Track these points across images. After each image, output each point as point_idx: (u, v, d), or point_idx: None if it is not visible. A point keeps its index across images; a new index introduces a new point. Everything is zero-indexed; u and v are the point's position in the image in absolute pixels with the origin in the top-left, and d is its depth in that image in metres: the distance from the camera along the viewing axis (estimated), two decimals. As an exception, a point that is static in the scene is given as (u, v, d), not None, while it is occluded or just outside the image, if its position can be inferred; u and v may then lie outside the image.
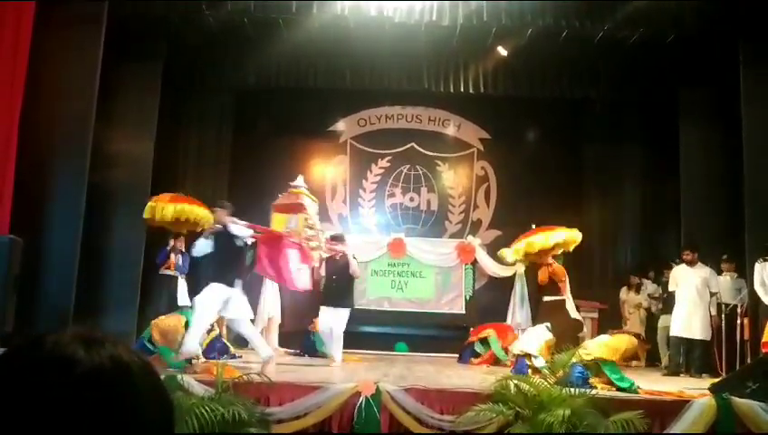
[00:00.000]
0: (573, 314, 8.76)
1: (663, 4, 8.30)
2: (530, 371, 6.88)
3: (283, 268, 7.23)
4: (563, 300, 8.63)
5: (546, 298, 8.58)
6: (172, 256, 9.33)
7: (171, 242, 9.38)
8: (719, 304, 8.56)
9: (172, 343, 6.74)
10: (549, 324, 7.95)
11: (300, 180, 8.53)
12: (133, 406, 0.73)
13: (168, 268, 9.27)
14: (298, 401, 5.36)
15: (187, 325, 7.07)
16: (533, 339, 7.71)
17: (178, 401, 4.86)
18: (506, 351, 9.14)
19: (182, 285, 9.42)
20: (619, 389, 5.98)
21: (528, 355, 7.35)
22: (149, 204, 8.67)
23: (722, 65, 8.73)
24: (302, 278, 7.42)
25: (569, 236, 8.78)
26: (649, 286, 10.19)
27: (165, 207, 8.65)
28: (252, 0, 8.31)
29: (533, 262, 9.17)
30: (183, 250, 9.42)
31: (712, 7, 8.25)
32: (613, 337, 6.82)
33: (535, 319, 9.21)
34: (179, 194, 9.15)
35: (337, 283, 8.14)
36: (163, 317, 7.35)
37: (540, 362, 7.04)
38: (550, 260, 8.65)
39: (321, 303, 8.29)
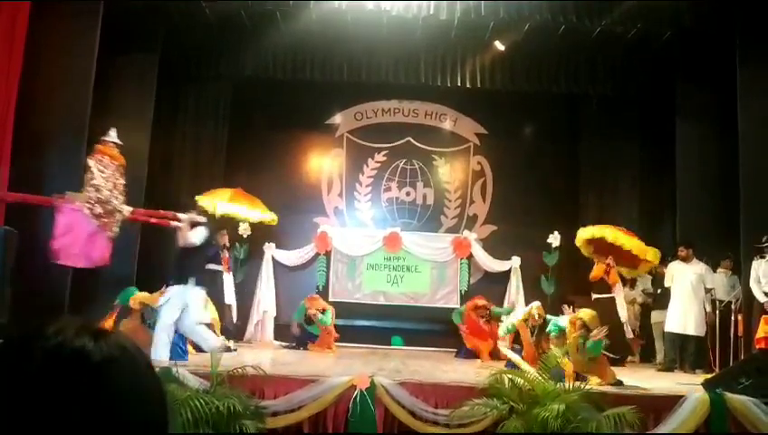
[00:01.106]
0: (622, 315, 8.77)
1: (660, 1, 8.29)
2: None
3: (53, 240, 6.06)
4: (613, 298, 8.66)
5: (595, 296, 8.54)
6: (225, 253, 9.18)
7: (223, 239, 9.21)
8: (713, 301, 8.61)
9: None
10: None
11: (110, 134, 6.85)
12: (141, 390, 0.77)
13: (219, 264, 8.98)
14: (293, 394, 5.37)
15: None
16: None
17: (173, 394, 4.87)
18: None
19: (228, 281, 9.39)
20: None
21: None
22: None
23: (719, 62, 8.74)
24: (90, 251, 6.21)
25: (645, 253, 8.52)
26: (648, 282, 10.20)
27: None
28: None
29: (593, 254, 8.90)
30: (228, 245, 9.45)
31: (709, 4, 8.26)
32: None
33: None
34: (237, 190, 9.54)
35: (177, 258, 6.88)
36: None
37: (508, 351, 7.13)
38: (611, 262, 8.48)
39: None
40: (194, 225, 6.77)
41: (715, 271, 8.66)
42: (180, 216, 6.89)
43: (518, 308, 9.19)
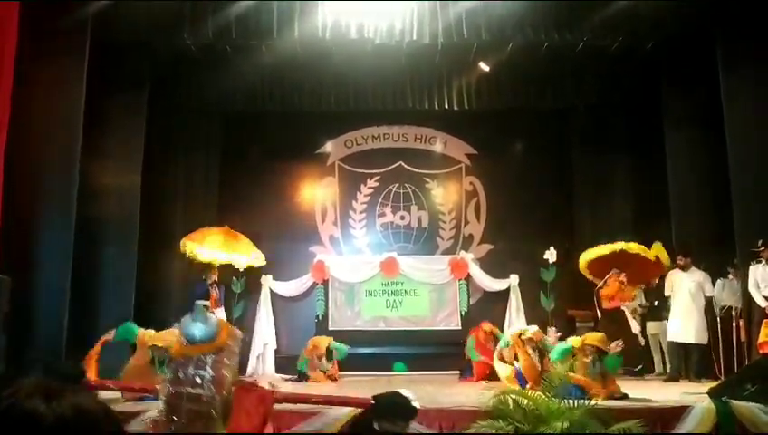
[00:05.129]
0: (634, 327, 8.90)
1: (640, 9, 8.35)
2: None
3: None
4: (623, 311, 8.82)
5: (605, 306, 8.68)
6: (213, 290, 9.40)
7: (213, 277, 9.47)
8: (722, 308, 8.55)
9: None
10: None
11: None
12: None
13: (208, 300, 9.28)
14: (296, 428, 5.31)
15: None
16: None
17: None
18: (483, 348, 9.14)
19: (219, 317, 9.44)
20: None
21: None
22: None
23: (703, 68, 8.77)
24: None
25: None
26: (641, 294, 10.12)
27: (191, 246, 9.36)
28: (231, 24, 8.33)
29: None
30: (218, 282, 9.60)
31: (688, 11, 8.31)
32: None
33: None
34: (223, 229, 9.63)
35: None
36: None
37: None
38: (623, 278, 8.62)
39: None
40: None
41: (725, 277, 8.59)
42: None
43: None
